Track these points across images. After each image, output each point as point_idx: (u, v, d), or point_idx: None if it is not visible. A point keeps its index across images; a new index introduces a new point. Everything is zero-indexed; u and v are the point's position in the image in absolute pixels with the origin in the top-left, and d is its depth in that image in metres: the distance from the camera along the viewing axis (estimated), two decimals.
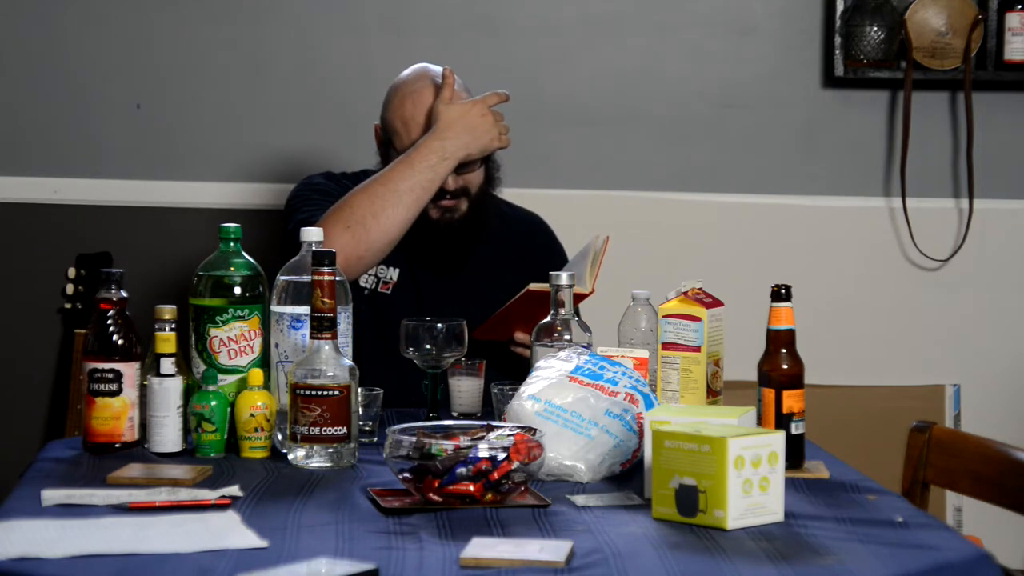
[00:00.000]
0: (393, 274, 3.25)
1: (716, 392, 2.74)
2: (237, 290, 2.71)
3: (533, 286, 3.01)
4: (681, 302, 2.73)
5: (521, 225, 3.41)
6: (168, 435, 2.65)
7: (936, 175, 4.13)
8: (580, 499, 2.35)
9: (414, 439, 2.31)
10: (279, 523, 2.19)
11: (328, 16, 4.05)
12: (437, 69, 3.25)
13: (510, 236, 3.35)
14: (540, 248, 3.38)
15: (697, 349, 2.71)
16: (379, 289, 3.25)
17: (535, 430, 2.38)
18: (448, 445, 2.30)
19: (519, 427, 2.38)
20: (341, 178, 3.30)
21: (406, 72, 3.28)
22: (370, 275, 3.24)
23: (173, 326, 2.67)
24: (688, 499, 2.19)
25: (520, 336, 3.10)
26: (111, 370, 2.65)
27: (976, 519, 3.98)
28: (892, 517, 2.26)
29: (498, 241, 3.33)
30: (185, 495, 2.30)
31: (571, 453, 2.47)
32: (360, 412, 2.68)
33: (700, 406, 2.67)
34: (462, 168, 3.17)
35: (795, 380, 2.56)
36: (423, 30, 4.04)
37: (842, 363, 4.08)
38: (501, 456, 2.28)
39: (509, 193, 3.39)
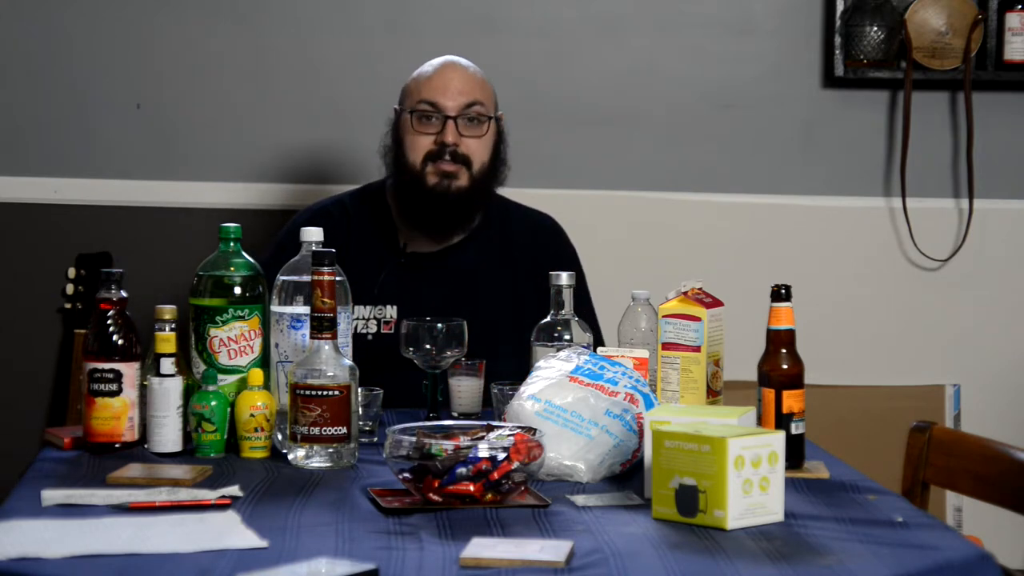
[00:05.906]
0: (392, 311, 3.20)
1: (716, 392, 2.74)
2: (237, 290, 2.71)
3: None
4: (681, 302, 2.73)
5: (532, 227, 3.36)
6: (168, 435, 2.65)
7: (936, 175, 4.13)
8: (580, 499, 2.35)
9: (414, 439, 2.31)
10: (279, 523, 2.19)
11: (328, 16, 4.05)
12: (464, 62, 3.27)
13: (521, 239, 3.32)
14: (551, 250, 3.32)
15: (697, 349, 2.71)
16: (382, 331, 3.20)
17: (535, 430, 2.38)
18: (448, 445, 2.30)
19: (519, 427, 2.38)
20: (329, 214, 3.26)
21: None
22: (368, 320, 3.19)
23: (173, 326, 2.67)
24: (688, 499, 2.19)
25: None
26: (111, 370, 2.65)
27: (976, 519, 3.98)
28: (892, 517, 2.26)
29: (508, 244, 3.30)
30: (185, 495, 2.30)
31: (571, 453, 2.47)
32: (360, 412, 2.68)
33: (700, 406, 2.67)
34: (469, 124, 3.18)
35: (795, 380, 2.56)
36: (423, 30, 4.04)
37: (842, 363, 4.07)
38: (501, 456, 2.28)
39: (509, 193, 3.38)
